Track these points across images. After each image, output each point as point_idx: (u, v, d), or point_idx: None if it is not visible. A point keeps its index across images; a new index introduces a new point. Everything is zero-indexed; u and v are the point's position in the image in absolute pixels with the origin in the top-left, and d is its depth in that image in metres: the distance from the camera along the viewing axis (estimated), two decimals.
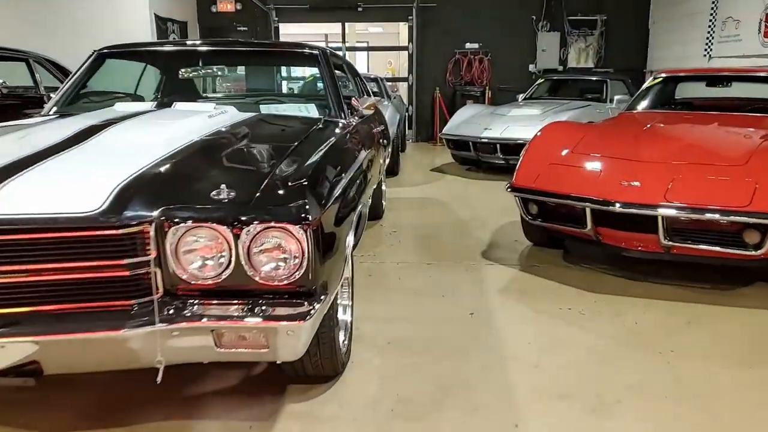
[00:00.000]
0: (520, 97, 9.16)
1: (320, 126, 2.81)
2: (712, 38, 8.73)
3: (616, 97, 8.19)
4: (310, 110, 3.29)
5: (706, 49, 8.78)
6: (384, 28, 16.79)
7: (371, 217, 5.00)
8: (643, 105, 5.27)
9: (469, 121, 7.77)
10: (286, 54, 3.67)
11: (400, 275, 3.62)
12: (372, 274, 3.62)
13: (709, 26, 8.73)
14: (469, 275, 3.63)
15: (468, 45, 11.15)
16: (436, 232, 4.71)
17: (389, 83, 19.70)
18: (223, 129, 2.44)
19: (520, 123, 7.28)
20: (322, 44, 13.08)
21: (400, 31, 13.50)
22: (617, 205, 3.12)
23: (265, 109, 3.28)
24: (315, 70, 3.87)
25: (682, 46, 9.31)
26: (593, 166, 3.55)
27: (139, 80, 4.08)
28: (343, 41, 11.17)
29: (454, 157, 8.21)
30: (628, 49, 10.85)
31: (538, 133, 4.13)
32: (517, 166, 3.85)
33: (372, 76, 9.01)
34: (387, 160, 5.15)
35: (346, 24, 11.41)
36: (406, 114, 11.26)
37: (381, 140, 4.44)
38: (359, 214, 2.59)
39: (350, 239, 2.24)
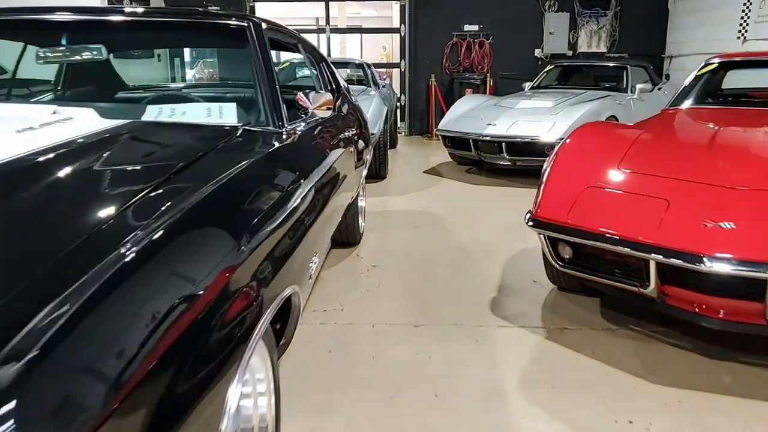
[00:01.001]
0: (527, 86, 8.03)
1: (230, 142, 1.71)
2: (748, 18, 7.59)
3: (638, 86, 7.09)
4: (226, 113, 2.17)
5: (740, 31, 7.64)
6: (378, 11, 15.59)
7: (345, 245, 3.89)
8: (691, 99, 4.16)
9: (469, 114, 6.64)
10: (197, 28, 2.47)
11: (375, 351, 2.52)
12: (333, 350, 2.51)
13: (745, 4, 7.59)
14: (475, 349, 2.53)
15: (467, 27, 9.99)
16: (429, 266, 3.61)
17: (381, 70, 18.57)
18: (26, 158, 1.31)
19: (530, 117, 6.17)
20: (314, 29, 11.80)
21: (393, 14, 12.33)
22: (709, 261, 2.02)
23: (156, 111, 2.15)
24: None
25: (710, 28, 8.17)
26: (655, 191, 2.45)
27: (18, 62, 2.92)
28: (327, 23, 10.00)
29: (452, 156, 7.10)
30: (644, 32, 9.71)
31: (568, 140, 3.02)
32: (540, 188, 2.74)
33: (357, 62, 7.86)
34: (365, 168, 4.06)
35: (336, 5, 10.25)
36: (398, 104, 10.12)
37: (354, 147, 3.34)
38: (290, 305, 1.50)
39: None
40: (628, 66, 7.39)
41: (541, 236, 2.62)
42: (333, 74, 3.59)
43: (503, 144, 6.03)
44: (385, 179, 6.35)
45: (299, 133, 2.14)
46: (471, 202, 5.35)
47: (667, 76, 9.17)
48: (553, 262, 2.64)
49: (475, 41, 9.96)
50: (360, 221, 4.03)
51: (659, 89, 7.69)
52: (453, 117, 6.73)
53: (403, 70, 10.19)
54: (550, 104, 6.49)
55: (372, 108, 5.97)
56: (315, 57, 3.45)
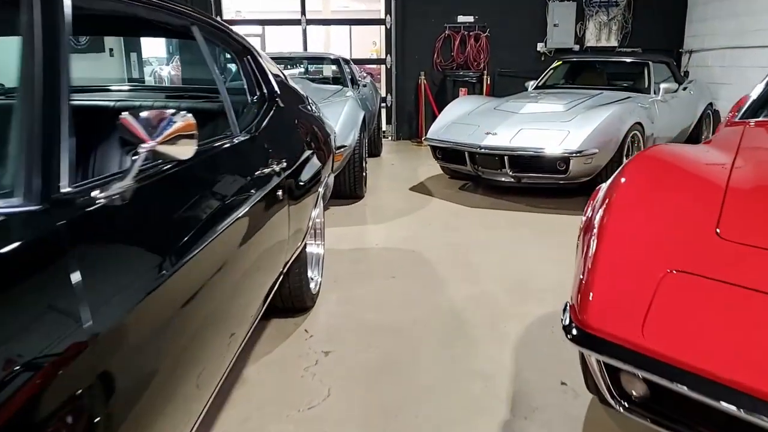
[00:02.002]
0: (530, 85, 6.92)
1: None
2: None
3: (662, 86, 5.99)
4: None
5: None
6: (367, 4, 14.42)
7: (290, 312, 2.78)
8: None
9: (464, 120, 5.53)
10: None
11: None
12: None
13: None
14: None
15: (461, 18, 8.87)
16: (407, 352, 2.49)
17: (373, 66, 17.36)
18: None
19: (538, 125, 5.06)
20: (288, 19, 10.54)
21: (382, 6, 11.16)
22: None
23: None
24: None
25: (739, 19, 7.08)
26: None
27: None
28: (303, 14, 8.85)
29: (443, 169, 5.99)
30: (660, 25, 8.62)
31: (624, 180, 1.90)
32: (584, 267, 1.63)
33: (332, 57, 6.73)
34: (321, 200, 2.97)
35: None
36: (384, 105, 9.00)
37: (294, 183, 2.24)
38: None
39: None
40: (650, 62, 6.28)
41: (594, 362, 1.51)
42: (264, 73, 2.46)
43: (505, 158, 4.92)
44: (362, 199, 5.24)
45: (106, 207, 1.03)
46: (467, 234, 4.23)
47: (686, 74, 8.09)
48: (612, 401, 1.53)
49: (469, 34, 8.85)
50: (313, 276, 2.92)
51: (684, 89, 6.60)
52: (444, 123, 5.61)
53: (389, 66, 9.06)
54: (560, 108, 5.39)
55: (344, 114, 4.86)
56: (234, 49, 2.33)
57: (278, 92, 2.50)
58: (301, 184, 2.44)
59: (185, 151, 1.19)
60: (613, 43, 8.67)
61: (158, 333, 1.14)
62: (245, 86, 2.43)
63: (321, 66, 7.41)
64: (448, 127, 5.51)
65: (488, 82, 8.71)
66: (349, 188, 5.09)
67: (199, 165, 1.57)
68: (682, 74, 7.81)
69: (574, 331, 1.51)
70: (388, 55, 9.02)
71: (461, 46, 8.88)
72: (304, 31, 8.97)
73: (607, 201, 1.82)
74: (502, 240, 4.08)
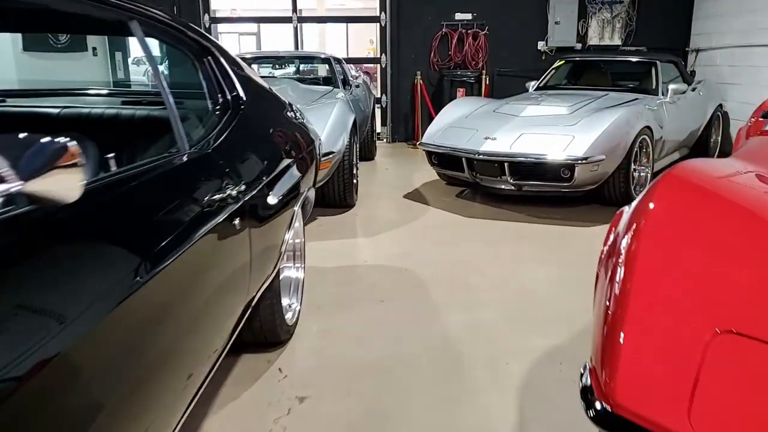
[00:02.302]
0: (531, 86, 6.59)
1: None
2: None
3: (670, 87, 5.66)
4: None
5: None
6: (364, 2, 14.08)
7: (263, 347, 2.45)
8: None
9: (461, 124, 5.19)
10: None
11: None
12: None
13: None
14: None
15: (459, 16, 8.53)
16: (392, 400, 2.16)
17: (370, 65, 16.95)
18: None
19: (540, 129, 4.73)
20: (279, 17, 10.16)
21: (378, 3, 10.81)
22: None
23: None
24: None
25: (750, 15, 6.74)
26: None
27: None
28: (294, 11, 8.50)
29: (440, 176, 5.66)
30: (665, 22, 8.29)
31: (652, 205, 1.56)
32: (606, 327, 1.29)
33: (322, 56, 6.39)
34: (296, 221, 2.65)
35: None
36: (379, 106, 8.67)
37: (263, 208, 1.91)
38: None
39: None
40: (658, 62, 5.95)
41: None
42: (227, 77, 2.13)
43: (505, 165, 4.59)
44: (353, 208, 4.90)
45: None
46: (465, 249, 3.90)
47: (693, 73, 7.76)
48: None
49: (467, 32, 8.51)
50: (290, 304, 2.59)
51: (693, 89, 6.27)
52: (441, 126, 5.28)
53: (384, 66, 8.72)
54: (564, 110, 5.06)
55: (332, 118, 4.52)
56: (190, 48, 1.99)
57: (245, 98, 2.16)
58: (271, 204, 2.11)
59: (67, 189, 0.86)
60: (617, 41, 8.33)
61: (94, 381, 0.87)
62: (205, 92, 2.10)
63: (315, 66, 7.08)
64: (444, 131, 5.18)
65: (487, 82, 8.37)
66: (338, 197, 4.76)
67: (126, 194, 1.24)
68: (689, 74, 7.48)
69: (599, 409, 1.18)
70: (383, 54, 8.68)
71: (459, 45, 8.55)
72: (296, 29, 8.62)
73: (633, 232, 1.48)
74: (502, 256, 3.75)
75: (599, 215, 4.58)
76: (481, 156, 4.64)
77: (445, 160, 5.11)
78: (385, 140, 8.89)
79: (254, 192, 1.91)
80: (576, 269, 3.44)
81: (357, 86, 6.59)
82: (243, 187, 1.79)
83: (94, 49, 8.28)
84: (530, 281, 3.29)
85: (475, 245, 3.96)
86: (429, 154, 5.23)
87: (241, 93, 2.16)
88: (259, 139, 2.27)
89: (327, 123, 4.47)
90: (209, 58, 2.09)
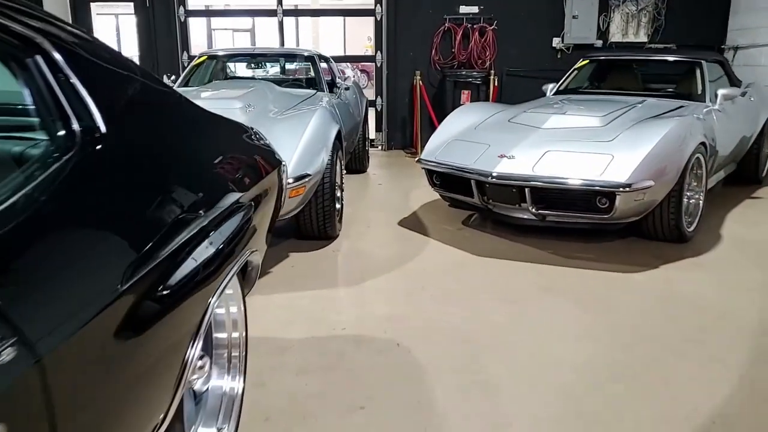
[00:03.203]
0: (549, 88, 5.62)
1: None
2: None
3: (720, 92, 4.72)
4: None
5: None
6: None
7: None
8: None
9: (470, 136, 4.25)
10: None
11: None
12: None
13: None
14: None
15: (464, 9, 7.58)
16: None
17: (368, 64, 15.99)
18: None
19: (569, 145, 3.79)
20: (263, 10, 9.03)
21: None
22: None
23: None
24: None
25: None
26: None
27: None
28: (279, 4, 7.54)
29: (443, 197, 4.70)
30: (697, 16, 7.35)
31: None
32: None
33: (306, 54, 5.43)
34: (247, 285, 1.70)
35: None
36: (375, 110, 7.73)
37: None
38: None
39: None
40: (703, 61, 4.99)
41: None
42: (73, 91, 1.17)
43: (526, 190, 3.65)
44: (335, 241, 3.96)
45: None
46: (477, 308, 2.95)
47: None
48: None
49: (473, 28, 7.56)
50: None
51: (743, 94, 5.31)
52: (444, 140, 4.33)
53: (379, 64, 7.77)
54: (596, 121, 4.11)
55: (308, 132, 3.59)
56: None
57: (104, 128, 1.21)
58: (150, 312, 1.16)
59: None
60: (642, 38, 7.38)
61: None
62: (34, 118, 1.16)
63: (305, 65, 6.11)
64: (448, 146, 4.23)
65: (495, 83, 7.41)
66: (316, 228, 3.82)
67: None
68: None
69: None
70: (379, 52, 7.73)
71: (464, 42, 7.60)
72: (281, 24, 7.67)
73: None
74: (527, 322, 2.80)
75: (643, 255, 3.65)
76: (495, 179, 3.69)
77: (449, 182, 4.16)
78: (380, 147, 7.95)
79: (125, 287, 0.97)
80: (630, 346, 2.51)
81: (347, 88, 5.64)
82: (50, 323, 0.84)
83: None
84: (571, 369, 2.34)
85: (491, 302, 3.01)
86: (430, 173, 4.28)
87: (97, 118, 1.20)
88: (131, 194, 1.31)
89: (301, 138, 3.53)
90: (38, 57, 1.14)
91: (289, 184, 3.30)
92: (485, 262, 3.60)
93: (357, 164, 6.12)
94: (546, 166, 3.65)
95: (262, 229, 2.10)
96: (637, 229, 3.93)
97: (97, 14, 14.28)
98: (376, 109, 7.88)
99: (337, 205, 4.09)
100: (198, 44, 17.38)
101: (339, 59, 12.94)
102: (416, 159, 4.32)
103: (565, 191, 3.60)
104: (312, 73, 5.52)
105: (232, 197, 1.71)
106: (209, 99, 4.11)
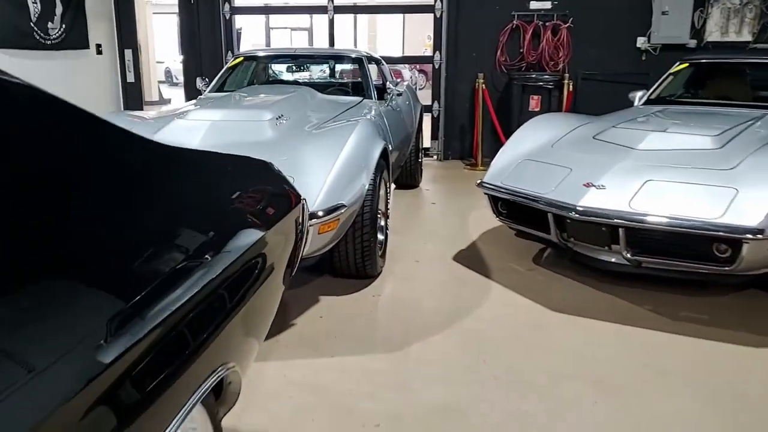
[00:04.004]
0: (637, 96, 4.76)
1: None
2: None
3: None
4: None
5: None
6: None
7: None
8: None
9: (546, 156, 3.47)
10: None
11: None
12: None
13: None
14: None
15: (534, 5, 6.76)
16: None
17: (412, 65, 15.32)
18: None
19: (676, 173, 2.97)
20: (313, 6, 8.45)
21: None
22: None
23: None
24: None
25: None
26: None
27: None
28: (330, 0, 6.92)
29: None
30: None
31: None
32: None
33: (353, 55, 4.74)
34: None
35: None
36: (431, 116, 7.02)
37: None
38: None
39: None
40: None
41: None
42: None
43: (621, 230, 2.86)
44: (375, 281, 3.26)
45: None
46: (560, 398, 2.19)
47: None
48: None
49: (545, 25, 6.72)
50: None
51: None
52: (513, 158, 3.57)
53: (438, 66, 7.03)
54: (707, 141, 3.26)
55: (346, 153, 2.93)
56: None
57: None
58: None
59: None
60: (746, 37, 6.36)
61: None
62: None
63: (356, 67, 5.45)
64: (519, 167, 3.46)
65: (570, 88, 6.55)
66: (353, 265, 3.14)
67: None
68: None
69: None
70: (437, 52, 6.99)
71: (534, 41, 6.77)
72: (331, 22, 7.05)
73: None
74: (638, 426, 2.02)
75: None
76: (579, 215, 2.91)
77: (518, 212, 3.40)
78: (435, 158, 7.22)
79: None
80: None
81: (399, 94, 4.94)
82: None
83: (99, 45, 6.91)
84: None
85: (580, 389, 2.24)
86: (494, 199, 3.53)
87: None
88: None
89: (337, 160, 2.86)
90: None
91: (318, 218, 2.64)
92: (566, 322, 2.82)
93: (408, 178, 5.41)
94: (646, 200, 2.84)
95: (261, 316, 1.44)
96: (759, 279, 3.06)
97: (153, 13, 14.18)
98: (433, 115, 7.15)
99: (380, 236, 3.40)
100: (257, 44, 17.11)
101: (396, 60, 12.37)
102: (477, 182, 3.57)
103: (671, 234, 2.79)
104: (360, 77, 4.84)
105: (202, 281, 1.05)
106: (235, 109, 3.50)
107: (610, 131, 3.57)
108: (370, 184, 3.03)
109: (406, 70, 15.78)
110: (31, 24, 5.66)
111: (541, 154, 3.51)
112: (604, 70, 6.60)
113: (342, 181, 2.82)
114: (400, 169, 5.13)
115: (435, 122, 7.20)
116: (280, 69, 5.08)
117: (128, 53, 7.34)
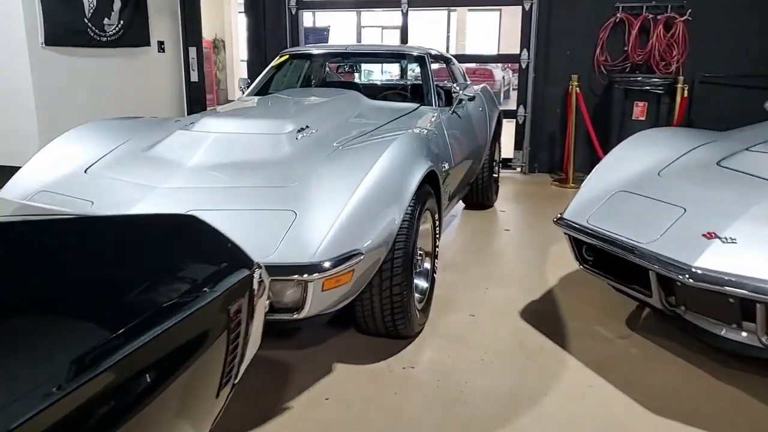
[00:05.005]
0: None
1: None
2: None
3: None
4: None
5: None
6: None
7: None
8: None
9: (652, 189, 2.57)
10: None
11: None
12: None
13: None
14: None
15: None
16: None
17: (504, 65, 14.60)
18: None
19: None
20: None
21: None
22: None
23: None
24: None
25: None
26: None
27: None
28: None
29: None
30: None
31: None
32: None
33: (415, 53, 3.99)
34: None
35: None
36: (516, 122, 6.18)
37: None
38: None
39: None
40: None
41: None
42: None
43: (760, 306, 1.96)
44: (411, 343, 2.53)
45: None
46: None
47: None
48: None
49: (657, 19, 5.68)
50: None
51: None
52: (604, 189, 2.70)
53: (525, 65, 6.15)
54: None
55: (368, 183, 2.21)
56: None
57: None
58: None
59: None
60: None
61: None
62: None
63: (414, 65, 4.72)
64: (612, 201, 2.60)
65: (684, 93, 5.47)
66: (380, 324, 2.44)
67: None
68: None
69: None
70: (525, 50, 6.11)
71: (641, 37, 5.75)
72: (405, 16, 6.35)
73: None
74: None
75: None
76: (695, 280, 2.03)
77: (608, 260, 2.54)
78: (518, 170, 6.35)
79: None
80: None
81: (471, 98, 4.16)
82: None
83: (161, 43, 6.59)
84: None
85: None
86: (576, 242, 2.69)
87: None
88: None
89: (356, 190, 2.15)
90: None
91: (321, 271, 1.94)
92: (667, 428, 1.96)
93: (479, 197, 4.62)
94: None
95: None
96: None
97: (239, 12, 14.07)
98: (517, 121, 6.28)
99: (422, 284, 2.66)
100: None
101: (469, 59, 11.40)
102: (555, 217, 2.74)
103: None
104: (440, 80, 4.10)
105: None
106: (251, 118, 2.89)
107: (742, 156, 2.62)
108: (405, 219, 2.31)
109: (498, 70, 14.79)
110: (85, 20, 5.36)
111: (643, 184, 2.62)
112: (731, 71, 5.47)
113: (361, 219, 2.11)
114: (469, 186, 4.36)
115: (520, 129, 6.33)
116: (332, 69, 4.45)
117: (192, 51, 6.96)
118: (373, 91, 3.99)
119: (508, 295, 3.08)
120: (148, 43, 6.31)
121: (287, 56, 4.08)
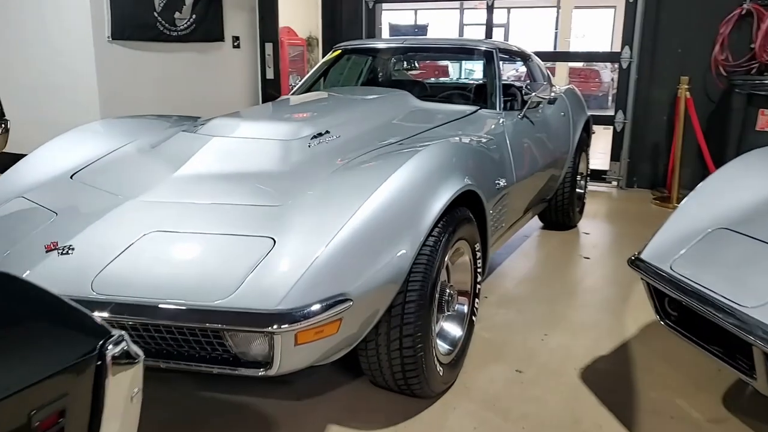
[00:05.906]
0: None
1: None
2: None
3: None
4: None
5: None
6: None
7: None
8: None
9: (761, 225, 1.90)
10: None
11: None
12: None
13: None
14: None
15: None
16: None
17: (607, 65, 13.81)
18: None
19: None
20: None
21: None
22: None
23: None
24: None
25: None
26: None
27: None
28: None
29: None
30: None
31: None
32: None
33: (483, 48, 3.42)
34: None
35: None
36: (613, 129, 5.45)
37: None
38: None
39: None
40: None
41: None
42: None
43: None
44: (432, 405, 2.02)
45: None
46: None
47: None
48: None
49: None
50: None
51: None
52: (699, 224, 2.05)
53: (626, 65, 5.38)
54: None
55: (374, 205, 1.74)
56: None
57: None
58: None
59: None
60: None
61: None
62: None
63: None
64: (709, 240, 1.96)
65: None
66: (391, 381, 1.96)
67: None
68: None
69: None
70: (626, 47, 5.34)
71: None
72: (490, 9, 5.77)
73: None
74: None
75: None
76: None
77: (696, 320, 1.90)
78: (615, 184, 5.59)
79: None
80: None
81: (551, 101, 3.55)
82: None
83: (236, 38, 6.42)
84: None
85: None
86: (657, 292, 2.06)
87: None
88: None
89: (353, 215, 1.69)
90: None
91: (283, 323, 1.50)
92: None
93: (558, 215, 3.99)
94: None
95: None
96: None
97: None
98: (615, 129, 5.52)
99: (454, 331, 2.15)
100: None
101: (577, 57, 10.39)
102: (631, 257, 2.12)
103: None
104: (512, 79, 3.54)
105: None
106: (264, 121, 2.50)
107: None
108: (424, 253, 1.81)
109: (606, 72, 13.70)
110: (155, 14, 5.25)
111: (755, 220, 1.95)
112: None
113: (355, 252, 1.64)
114: (545, 203, 3.76)
115: (617, 138, 5.56)
116: (392, 65, 3.99)
117: (269, 47, 6.74)
118: (436, 91, 3.50)
119: (570, 345, 2.48)
120: (221, 38, 6.15)
121: (340, 51, 3.67)
